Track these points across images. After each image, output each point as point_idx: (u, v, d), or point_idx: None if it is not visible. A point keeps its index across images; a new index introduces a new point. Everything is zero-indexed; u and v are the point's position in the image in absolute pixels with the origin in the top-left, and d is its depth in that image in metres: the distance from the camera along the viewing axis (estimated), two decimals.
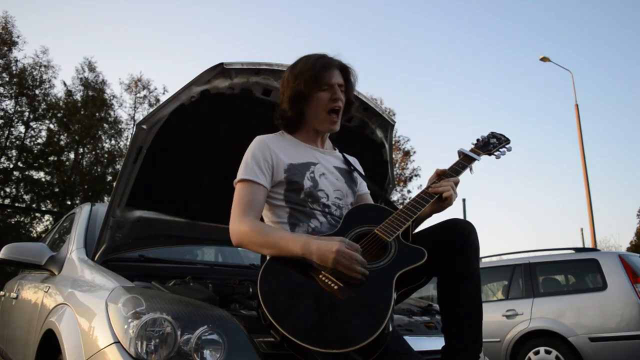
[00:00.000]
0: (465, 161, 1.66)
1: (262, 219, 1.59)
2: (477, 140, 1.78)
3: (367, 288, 1.30)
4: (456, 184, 1.57)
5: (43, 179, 15.57)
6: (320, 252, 1.32)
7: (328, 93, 1.59)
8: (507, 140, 1.79)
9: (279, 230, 1.49)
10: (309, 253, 1.34)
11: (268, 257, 1.44)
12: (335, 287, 1.30)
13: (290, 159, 1.59)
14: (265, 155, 1.56)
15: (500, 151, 1.76)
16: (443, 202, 1.53)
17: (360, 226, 1.50)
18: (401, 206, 1.54)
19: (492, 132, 1.81)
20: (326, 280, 1.32)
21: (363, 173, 1.83)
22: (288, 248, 1.38)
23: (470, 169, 1.66)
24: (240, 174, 1.55)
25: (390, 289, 1.29)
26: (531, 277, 4.92)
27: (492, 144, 1.76)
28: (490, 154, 1.74)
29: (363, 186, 1.79)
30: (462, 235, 1.44)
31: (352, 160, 1.83)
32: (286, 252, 1.39)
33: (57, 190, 15.37)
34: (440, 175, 1.60)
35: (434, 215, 1.61)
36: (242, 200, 1.51)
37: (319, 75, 1.58)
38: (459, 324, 1.44)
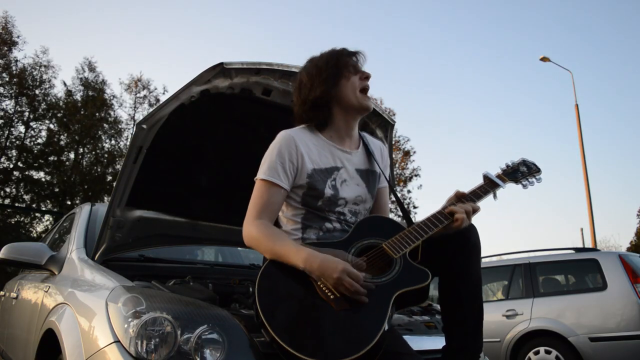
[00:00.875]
0: (488, 186, 1.57)
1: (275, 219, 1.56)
2: (507, 165, 1.69)
3: (364, 302, 1.28)
4: (475, 210, 1.48)
5: (43, 179, 15.58)
6: (321, 272, 1.30)
7: (356, 74, 1.56)
8: (538, 170, 1.71)
9: (285, 240, 1.44)
10: (310, 269, 1.33)
11: (269, 259, 1.44)
12: (332, 296, 1.29)
13: (315, 163, 1.53)
14: (292, 155, 1.50)
15: (528, 181, 1.68)
16: (452, 223, 1.45)
17: (369, 238, 1.47)
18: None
19: (523, 159, 1.73)
20: (324, 289, 1.31)
21: (388, 161, 1.77)
22: (290, 260, 1.36)
23: (494, 195, 1.58)
24: (262, 173, 1.50)
25: (386, 307, 1.27)
26: (531, 277, 4.91)
27: (520, 172, 1.67)
28: (517, 183, 1.66)
29: (382, 181, 1.71)
30: (463, 236, 1.44)
31: (378, 150, 1.72)
32: (289, 263, 1.37)
33: (57, 190, 15.37)
34: (460, 198, 1.52)
35: None
36: (259, 201, 1.48)
37: (343, 57, 1.55)
38: (459, 324, 1.44)
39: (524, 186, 1.68)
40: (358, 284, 1.27)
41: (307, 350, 1.18)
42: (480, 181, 1.61)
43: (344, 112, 1.58)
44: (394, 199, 1.86)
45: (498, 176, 1.63)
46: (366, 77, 1.57)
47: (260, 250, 1.45)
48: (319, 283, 1.32)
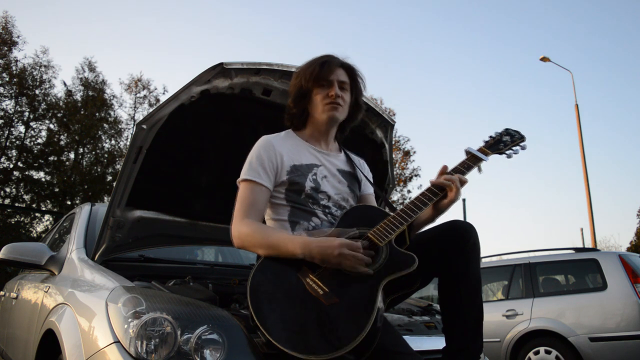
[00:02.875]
0: (471, 161, 1.56)
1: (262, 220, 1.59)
2: (490, 137, 1.67)
3: (352, 295, 1.29)
4: (462, 182, 1.48)
5: (43, 179, 15.55)
6: (322, 255, 1.32)
7: (325, 89, 1.60)
8: (522, 138, 1.68)
9: (278, 231, 1.48)
10: (309, 254, 1.34)
11: (261, 258, 1.45)
12: (321, 292, 1.30)
13: (294, 160, 1.59)
14: (270, 156, 1.56)
15: (512, 149, 1.64)
16: (443, 199, 1.46)
17: (354, 228, 1.48)
18: (400, 207, 1.50)
19: (506, 129, 1.70)
20: (313, 285, 1.32)
21: (370, 174, 1.82)
22: (287, 249, 1.38)
23: (479, 169, 1.56)
24: (243, 174, 1.55)
25: (375, 296, 1.27)
26: (531, 277, 4.92)
27: (503, 142, 1.65)
28: (500, 153, 1.63)
29: (367, 187, 1.77)
30: (463, 236, 1.44)
31: (358, 161, 1.81)
32: (285, 252, 1.39)
33: (57, 190, 15.34)
34: (443, 174, 1.52)
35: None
36: (244, 201, 1.51)
37: (317, 71, 1.59)
38: (459, 325, 1.44)
39: (508, 156, 1.65)
40: (359, 253, 1.30)
41: (301, 348, 1.19)
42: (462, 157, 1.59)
43: (313, 124, 1.66)
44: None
45: (480, 150, 1.61)
46: (332, 94, 1.59)
47: (253, 247, 1.45)
48: (308, 280, 1.34)
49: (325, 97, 1.60)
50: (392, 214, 1.47)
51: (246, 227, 1.46)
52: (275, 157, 1.56)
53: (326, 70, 1.59)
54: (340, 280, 1.32)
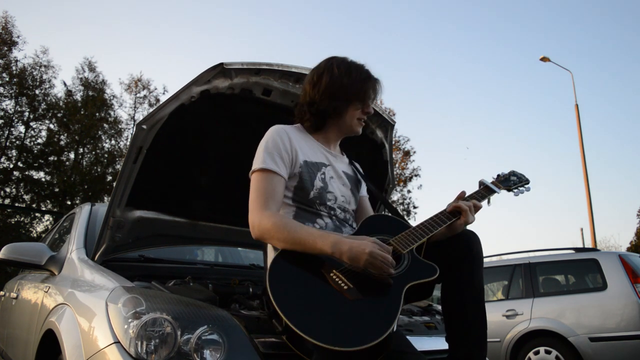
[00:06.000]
0: (485, 192, 1.69)
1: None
2: (498, 175, 1.82)
3: (376, 293, 1.30)
4: (476, 208, 1.57)
5: (43, 179, 15.56)
6: (352, 252, 1.30)
7: (362, 106, 1.62)
8: (527, 181, 1.84)
9: (305, 227, 1.42)
10: (339, 252, 1.32)
11: (279, 250, 1.41)
12: (345, 287, 1.30)
13: (306, 156, 1.57)
14: (286, 145, 1.52)
15: (519, 189, 1.81)
16: (457, 220, 1.51)
17: (376, 234, 1.48)
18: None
19: (512, 171, 1.85)
20: (337, 279, 1.32)
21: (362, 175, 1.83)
22: (316, 246, 1.34)
23: (489, 201, 1.70)
24: (260, 163, 1.48)
25: (398, 298, 1.29)
26: (531, 277, 4.92)
27: (512, 181, 1.80)
28: (509, 190, 1.79)
29: (363, 189, 1.79)
30: (466, 245, 1.45)
31: (357, 164, 1.83)
32: (313, 249, 1.35)
33: (57, 190, 15.35)
34: (460, 199, 1.60)
35: None
36: (262, 191, 1.45)
37: (369, 93, 1.60)
38: (463, 332, 1.43)
39: (515, 194, 1.81)
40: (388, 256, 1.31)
41: (325, 339, 1.18)
42: (476, 187, 1.73)
43: (337, 128, 1.65)
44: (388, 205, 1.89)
45: (493, 183, 1.75)
46: (368, 112, 1.64)
47: (276, 241, 1.40)
48: (331, 274, 1.33)
49: (361, 114, 1.63)
50: (412, 226, 1.52)
51: (268, 219, 1.40)
52: (290, 148, 1.52)
53: (374, 95, 1.63)
54: (365, 279, 1.32)
